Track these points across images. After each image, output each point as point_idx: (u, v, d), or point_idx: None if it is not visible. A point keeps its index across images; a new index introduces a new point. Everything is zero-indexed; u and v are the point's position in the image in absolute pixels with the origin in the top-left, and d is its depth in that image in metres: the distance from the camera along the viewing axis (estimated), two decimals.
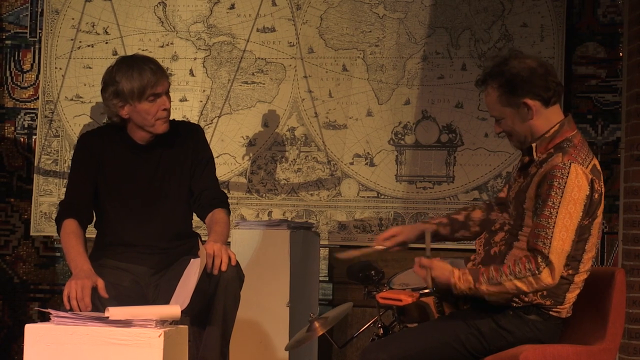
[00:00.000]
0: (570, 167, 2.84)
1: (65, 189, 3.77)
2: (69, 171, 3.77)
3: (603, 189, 2.95)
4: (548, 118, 2.96)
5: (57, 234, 3.53)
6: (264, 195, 5.08)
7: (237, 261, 3.34)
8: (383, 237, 3.24)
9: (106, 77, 3.48)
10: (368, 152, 5.01)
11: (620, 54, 4.83)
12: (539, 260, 2.81)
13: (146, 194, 3.56)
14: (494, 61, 3.02)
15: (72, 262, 3.34)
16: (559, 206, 2.82)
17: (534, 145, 2.97)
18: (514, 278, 2.82)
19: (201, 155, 3.63)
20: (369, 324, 3.27)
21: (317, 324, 3.37)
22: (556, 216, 2.82)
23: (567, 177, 2.83)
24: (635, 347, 4.44)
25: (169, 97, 3.50)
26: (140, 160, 3.57)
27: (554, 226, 2.82)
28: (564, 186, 2.83)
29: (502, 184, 3.15)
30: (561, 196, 2.83)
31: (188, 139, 3.63)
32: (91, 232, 3.61)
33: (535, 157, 2.96)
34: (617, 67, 4.84)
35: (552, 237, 2.82)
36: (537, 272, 2.81)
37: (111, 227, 3.56)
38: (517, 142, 3.04)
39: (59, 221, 3.49)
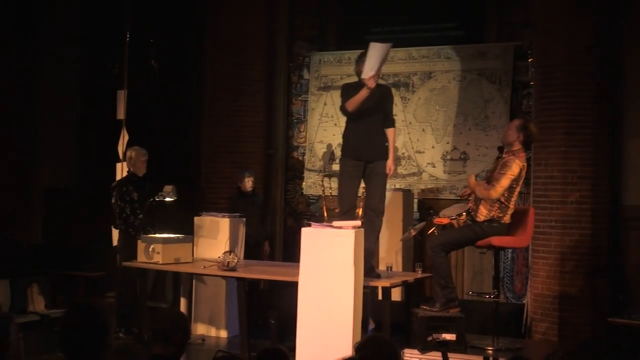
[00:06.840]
0: (513, 160, 6.40)
1: None
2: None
3: (523, 175, 6.93)
4: (518, 147, 6.55)
5: None
6: None
7: None
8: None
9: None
10: None
11: None
12: (492, 187, 6.49)
13: None
14: None
15: None
16: (505, 172, 6.39)
17: (505, 151, 6.61)
18: (488, 190, 6.54)
19: None
20: (430, 231, 7.57)
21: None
22: (503, 176, 6.48)
23: (511, 164, 6.38)
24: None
25: None
26: None
27: (501, 179, 6.44)
28: (508, 167, 6.36)
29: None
30: (506, 169, 6.40)
31: None
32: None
33: (502, 156, 6.61)
34: None
35: (499, 181, 6.48)
36: (491, 189, 6.48)
37: None
38: (504, 141, 6.66)
39: None
